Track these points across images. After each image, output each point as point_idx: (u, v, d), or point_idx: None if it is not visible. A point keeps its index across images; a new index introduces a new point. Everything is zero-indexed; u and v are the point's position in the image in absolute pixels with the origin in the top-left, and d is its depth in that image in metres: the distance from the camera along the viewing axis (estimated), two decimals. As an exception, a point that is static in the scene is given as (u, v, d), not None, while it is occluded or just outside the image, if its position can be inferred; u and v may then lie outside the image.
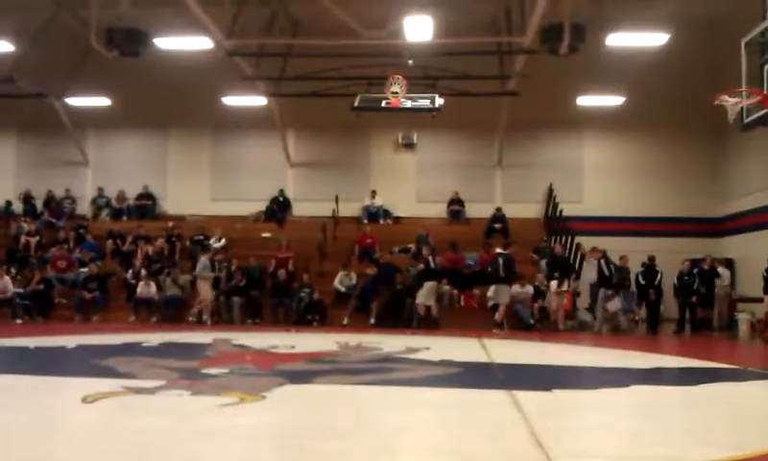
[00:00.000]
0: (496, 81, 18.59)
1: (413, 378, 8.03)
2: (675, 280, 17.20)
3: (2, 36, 17.51)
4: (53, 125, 21.80)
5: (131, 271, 17.90)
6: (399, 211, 21.86)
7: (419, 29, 15.58)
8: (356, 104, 16.26)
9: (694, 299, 16.79)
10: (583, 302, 17.81)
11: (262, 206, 22.07)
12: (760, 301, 15.78)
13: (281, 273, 17.38)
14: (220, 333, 13.38)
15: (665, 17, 16.57)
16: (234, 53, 17.01)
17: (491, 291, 16.40)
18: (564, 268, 16.87)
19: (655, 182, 21.28)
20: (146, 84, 20.49)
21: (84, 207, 22.79)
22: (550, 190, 21.08)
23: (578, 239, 18.67)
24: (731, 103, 11.84)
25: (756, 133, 14.73)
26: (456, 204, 21.54)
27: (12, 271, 17.83)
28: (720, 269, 17.79)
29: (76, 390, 6.43)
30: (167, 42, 16.91)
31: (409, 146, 22.28)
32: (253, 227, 21.24)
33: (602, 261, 16.70)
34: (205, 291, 16.53)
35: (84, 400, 6.05)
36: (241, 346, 11.26)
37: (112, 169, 22.78)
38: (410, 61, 16.88)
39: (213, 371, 8.16)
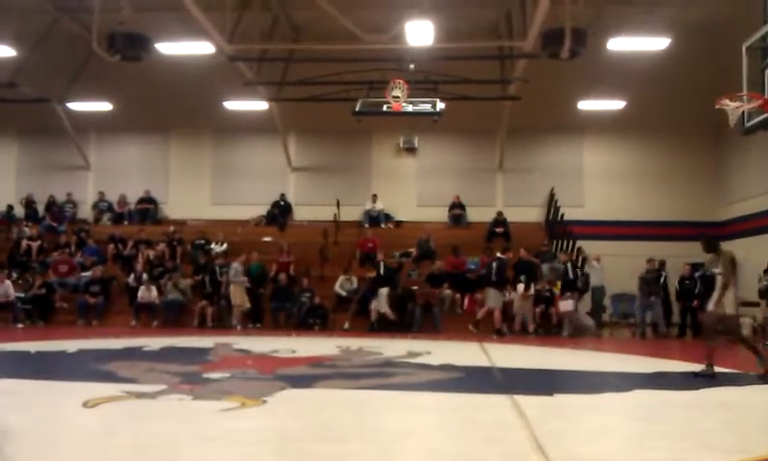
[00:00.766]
0: (497, 85, 18.61)
1: (414, 383, 8.03)
2: (676, 285, 17.20)
3: (4, 41, 17.55)
4: (54, 129, 21.83)
5: (132, 275, 17.91)
6: (401, 215, 21.86)
7: (420, 33, 15.60)
8: (357, 108, 16.29)
9: (695, 303, 16.77)
10: (584, 306, 17.80)
11: (263, 210, 22.07)
12: (756, 305, 15.81)
13: (282, 277, 17.39)
14: (224, 338, 13.38)
15: (666, 22, 16.59)
16: (236, 57, 17.03)
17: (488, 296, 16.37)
18: (531, 272, 16.80)
19: (656, 187, 21.27)
20: (147, 88, 20.52)
21: (85, 212, 22.80)
22: (551, 194, 21.08)
23: (579, 243, 18.67)
24: (731, 107, 11.84)
25: (756, 138, 14.74)
26: (457, 208, 21.54)
27: (14, 275, 17.85)
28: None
29: (77, 394, 6.44)
30: (169, 47, 16.94)
31: (410, 150, 22.29)
32: (255, 231, 21.25)
33: (569, 265, 16.75)
34: (239, 296, 16.53)
35: (86, 404, 6.05)
36: (242, 350, 11.27)
37: (114, 173, 22.81)
38: (411, 66, 16.91)
39: (214, 375, 8.16)
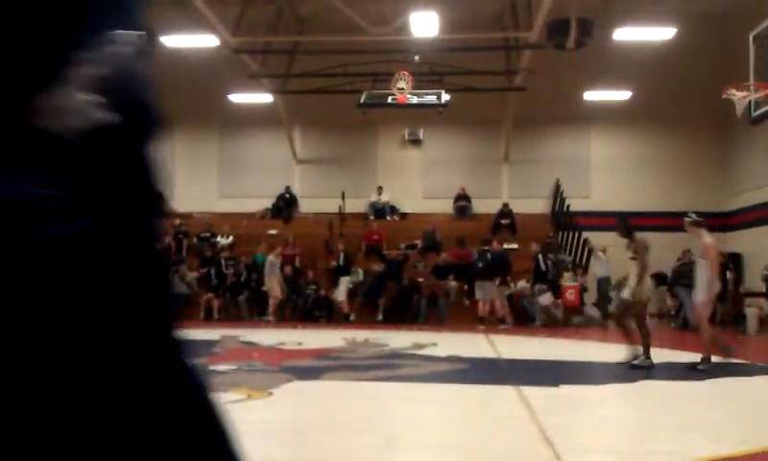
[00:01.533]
0: (503, 76, 18.56)
1: (420, 374, 8.04)
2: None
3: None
4: (60, 123, 21.86)
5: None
6: (406, 207, 21.85)
7: (425, 25, 15.56)
8: (362, 100, 16.27)
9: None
10: (590, 297, 17.80)
11: (269, 202, 22.09)
12: (765, 296, 15.77)
13: (288, 269, 17.42)
14: (230, 331, 13.42)
15: (672, 11, 16.51)
16: (240, 50, 17.02)
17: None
18: (503, 264, 16.76)
19: (662, 177, 21.21)
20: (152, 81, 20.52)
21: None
22: (557, 185, 21.03)
23: (585, 234, 18.64)
24: (739, 97, 11.81)
25: (763, 127, 14.68)
26: (463, 199, 21.51)
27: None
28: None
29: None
30: (173, 40, 16.94)
31: (415, 142, 22.26)
32: (260, 224, 21.27)
33: (540, 256, 16.73)
34: (275, 289, 16.52)
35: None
36: (248, 342, 11.30)
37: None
38: (416, 57, 16.88)
39: (221, 367, 8.19)
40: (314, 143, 22.63)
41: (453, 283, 17.16)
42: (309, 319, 16.47)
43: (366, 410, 6.04)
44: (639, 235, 9.19)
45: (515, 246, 19.39)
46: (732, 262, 17.81)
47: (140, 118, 0.79)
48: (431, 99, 16.23)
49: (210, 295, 17.01)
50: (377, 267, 17.62)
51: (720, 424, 5.55)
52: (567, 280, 17.08)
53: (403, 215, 21.65)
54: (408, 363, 8.93)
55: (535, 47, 16.05)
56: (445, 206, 21.52)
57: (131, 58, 0.80)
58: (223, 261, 17.46)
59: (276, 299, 16.49)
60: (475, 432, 5.14)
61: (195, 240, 19.60)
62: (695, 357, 10.38)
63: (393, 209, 21.66)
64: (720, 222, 20.66)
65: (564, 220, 20.16)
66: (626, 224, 9.27)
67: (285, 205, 21.97)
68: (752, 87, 11.79)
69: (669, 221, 20.83)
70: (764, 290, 16.35)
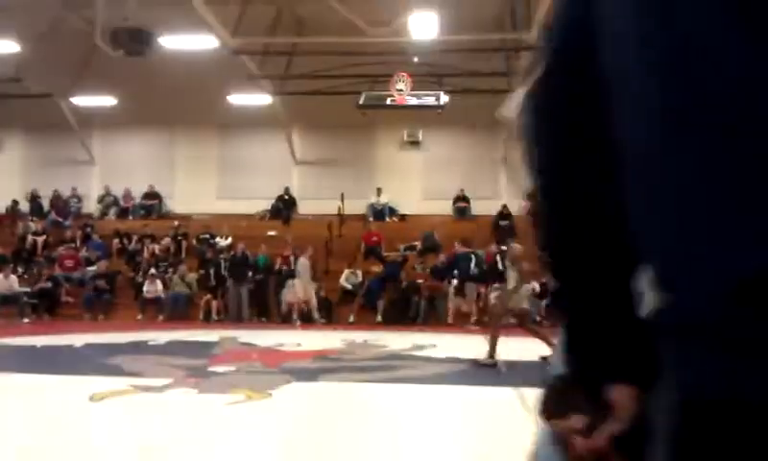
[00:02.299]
0: (502, 77, 18.56)
1: (419, 376, 8.03)
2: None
3: (8, 36, 17.56)
4: (59, 124, 21.86)
5: (140, 271, 17.96)
6: (405, 209, 21.84)
7: (424, 26, 15.56)
8: (361, 101, 16.27)
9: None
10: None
11: (268, 204, 22.09)
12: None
13: (287, 271, 17.41)
14: (228, 332, 13.41)
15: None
16: (239, 51, 17.02)
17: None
18: (465, 266, 16.79)
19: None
20: (151, 83, 20.50)
21: (90, 206, 22.85)
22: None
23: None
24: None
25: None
26: (462, 201, 21.51)
27: (19, 270, 17.91)
28: None
29: (83, 388, 6.46)
30: (172, 41, 16.93)
31: (414, 143, 22.25)
32: (259, 225, 21.26)
33: (498, 256, 16.73)
34: (302, 291, 16.42)
35: (92, 398, 6.07)
36: (248, 344, 11.29)
37: (118, 168, 22.83)
38: (415, 59, 16.88)
39: (220, 369, 8.18)
40: (313, 144, 22.63)
41: (496, 285, 17.11)
42: (308, 321, 16.45)
43: (365, 411, 6.03)
44: (516, 245, 9.40)
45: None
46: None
47: None
48: (430, 100, 16.23)
49: (209, 296, 16.99)
50: (376, 268, 17.63)
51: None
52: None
53: (402, 217, 21.64)
54: (407, 364, 8.93)
55: (534, 49, 16.04)
56: (445, 208, 21.51)
57: None
58: (222, 262, 17.44)
59: (301, 303, 16.38)
60: (474, 434, 5.14)
61: (194, 241, 19.60)
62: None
63: (392, 211, 21.65)
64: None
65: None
66: (502, 230, 9.61)
67: (284, 206, 21.96)
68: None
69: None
70: None
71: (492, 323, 9.26)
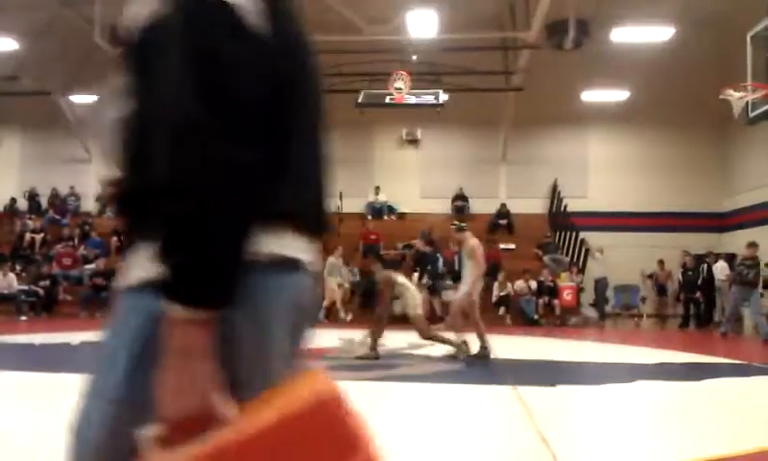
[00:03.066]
0: (501, 76, 18.57)
1: (416, 374, 8.03)
2: (679, 276, 17.18)
3: (6, 33, 17.55)
4: (57, 122, 21.84)
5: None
6: (404, 207, 21.85)
7: (422, 24, 15.57)
8: (360, 100, 16.27)
9: (698, 294, 16.77)
10: (587, 297, 17.82)
11: (266, 202, 22.07)
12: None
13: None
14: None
15: (670, 12, 16.52)
16: (238, 49, 16.99)
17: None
18: (426, 264, 16.76)
19: (659, 178, 21.23)
20: (150, 80, 20.50)
21: (88, 204, 22.84)
22: (555, 185, 21.06)
23: (582, 234, 18.66)
24: (736, 97, 11.83)
25: (761, 128, 14.70)
26: (460, 199, 21.52)
27: (17, 268, 17.89)
28: (720, 263, 17.58)
29: (81, 387, 6.45)
30: (170, 39, 16.91)
31: (413, 142, 22.27)
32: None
33: (456, 256, 16.75)
34: (335, 291, 16.40)
35: (89, 396, 6.06)
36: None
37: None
38: (414, 57, 16.88)
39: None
40: (311, 143, 22.60)
41: (450, 283, 17.15)
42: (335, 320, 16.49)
43: (362, 410, 6.02)
44: (475, 240, 9.53)
45: (512, 246, 19.44)
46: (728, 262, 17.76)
47: None
48: (429, 99, 16.23)
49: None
50: (375, 267, 17.60)
51: (717, 424, 5.55)
52: (564, 281, 17.09)
53: (401, 215, 21.65)
54: (404, 363, 8.93)
55: (533, 47, 16.05)
56: (443, 206, 21.53)
57: None
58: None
59: (332, 301, 16.34)
60: (471, 432, 5.14)
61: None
62: (691, 358, 10.39)
63: (390, 209, 21.66)
64: (717, 222, 20.72)
65: (561, 220, 20.18)
66: (459, 223, 9.80)
67: (282, 204, 21.95)
68: (749, 88, 11.81)
69: (666, 221, 20.89)
70: (762, 289, 16.31)
71: (468, 320, 9.26)
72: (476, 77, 17.57)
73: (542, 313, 16.47)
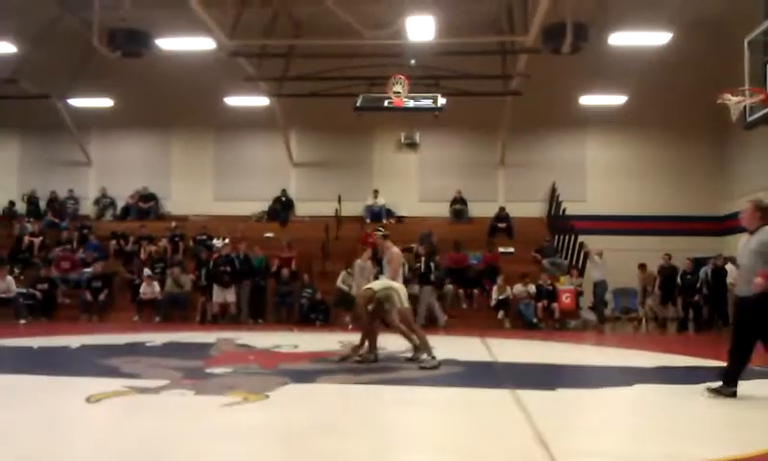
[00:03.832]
0: (499, 80, 18.59)
1: (416, 378, 8.04)
2: (678, 279, 17.19)
3: (5, 37, 17.54)
4: (56, 126, 21.85)
5: (137, 272, 17.92)
6: (402, 211, 21.86)
7: (421, 29, 15.57)
8: (358, 104, 16.25)
9: (697, 297, 16.79)
10: (586, 300, 17.83)
11: (265, 205, 22.10)
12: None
13: (285, 272, 17.41)
14: (228, 334, 13.41)
15: (668, 16, 16.55)
16: (237, 53, 17.02)
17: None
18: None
19: (657, 181, 21.27)
20: (148, 84, 20.52)
21: (86, 208, 22.83)
22: (553, 189, 21.08)
23: (581, 238, 18.67)
24: (733, 101, 11.83)
25: (758, 132, 14.71)
26: (459, 203, 21.54)
27: (16, 271, 17.87)
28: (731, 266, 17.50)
29: (80, 390, 6.45)
30: (169, 43, 16.91)
31: (411, 146, 22.29)
32: (256, 227, 21.26)
33: (423, 259, 16.75)
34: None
35: (89, 399, 6.07)
36: (244, 345, 11.29)
37: (115, 170, 22.83)
38: (412, 61, 16.87)
39: (217, 370, 8.18)
40: (310, 146, 22.64)
41: (449, 287, 17.17)
42: (305, 322, 16.46)
43: (362, 413, 6.04)
44: (396, 250, 9.81)
45: (511, 250, 19.45)
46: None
47: None
48: (427, 103, 16.20)
49: (205, 298, 16.97)
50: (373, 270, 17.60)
51: (716, 427, 5.57)
52: (564, 284, 17.10)
53: (399, 219, 21.66)
54: (404, 366, 8.94)
55: (531, 51, 16.07)
56: (442, 210, 21.55)
57: None
58: (211, 263, 17.42)
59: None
60: (471, 435, 5.15)
61: (191, 243, 19.58)
62: (690, 361, 10.40)
63: (389, 213, 21.67)
64: (716, 226, 20.75)
65: (559, 224, 20.20)
66: (384, 233, 10.02)
67: (281, 208, 21.98)
68: (747, 92, 11.81)
69: (665, 225, 20.91)
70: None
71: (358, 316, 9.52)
72: (474, 81, 17.59)
73: (542, 317, 16.47)
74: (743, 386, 7.86)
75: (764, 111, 11.69)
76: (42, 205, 22.39)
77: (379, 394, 7.12)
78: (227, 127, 22.23)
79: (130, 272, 18.20)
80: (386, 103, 15.83)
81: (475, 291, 17.39)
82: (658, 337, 15.87)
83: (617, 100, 20.08)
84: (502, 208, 20.99)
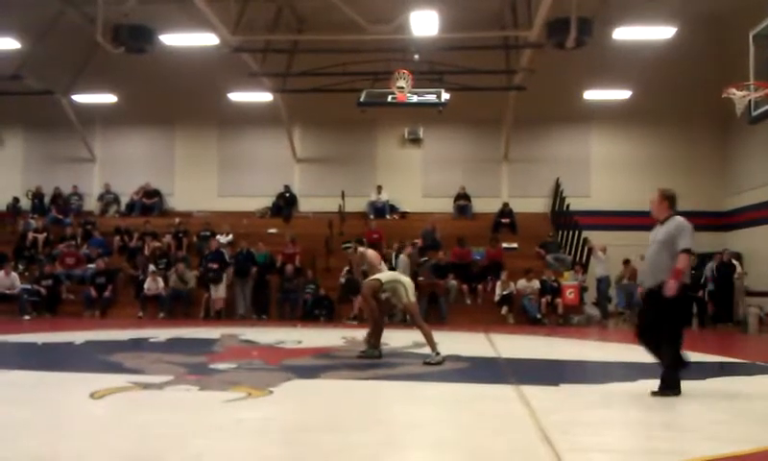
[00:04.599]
0: (503, 75, 18.56)
1: (419, 373, 8.04)
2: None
3: (9, 33, 17.56)
4: (60, 122, 21.87)
5: (141, 268, 17.94)
6: (406, 206, 21.85)
7: (424, 24, 15.56)
8: (362, 99, 16.25)
9: (701, 293, 16.75)
10: (590, 296, 17.81)
11: (268, 201, 22.10)
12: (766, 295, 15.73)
13: (290, 268, 17.43)
14: (232, 330, 13.43)
15: (672, 11, 16.50)
16: (240, 49, 17.01)
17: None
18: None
19: (662, 176, 21.00)
20: (152, 80, 20.53)
21: (91, 204, 22.87)
22: (557, 185, 21.03)
23: (585, 233, 18.64)
24: (738, 96, 11.80)
25: (763, 127, 14.68)
26: (462, 198, 21.52)
27: (20, 267, 17.91)
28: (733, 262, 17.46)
29: (84, 386, 6.46)
30: (173, 39, 16.93)
31: (415, 141, 22.26)
32: (260, 222, 21.27)
33: (393, 255, 16.72)
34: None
35: (93, 395, 6.07)
36: (248, 341, 11.30)
37: (119, 166, 22.86)
38: (416, 56, 16.87)
39: (221, 366, 8.19)
40: (314, 142, 22.63)
41: (453, 282, 17.16)
42: (309, 318, 16.47)
43: (366, 409, 6.03)
44: (369, 251, 9.97)
45: (515, 245, 19.42)
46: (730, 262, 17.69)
47: None
48: (431, 98, 16.20)
49: (208, 294, 17.00)
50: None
51: (720, 423, 5.55)
52: (568, 280, 17.08)
53: (403, 214, 21.66)
54: (407, 362, 8.93)
55: (534, 46, 16.04)
56: (445, 205, 21.53)
57: None
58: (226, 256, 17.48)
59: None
60: (475, 431, 5.14)
61: (195, 239, 19.60)
62: (694, 357, 10.36)
63: (392, 208, 21.67)
64: (720, 221, 20.69)
65: (563, 219, 20.16)
66: (357, 241, 10.22)
67: (285, 203, 21.98)
68: (751, 87, 11.78)
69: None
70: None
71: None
72: (478, 76, 17.57)
73: (545, 312, 16.46)
74: (747, 382, 7.84)
75: (769, 106, 11.65)
76: (46, 201, 22.42)
77: (383, 389, 7.11)
78: (230, 122, 22.23)
79: (134, 268, 18.22)
80: (390, 98, 15.83)
81: (479, 286, 17.37)
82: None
83: (621, 95, 20.03)
84: (506, 204, 20.96)
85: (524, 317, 16.42)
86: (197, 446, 4.48)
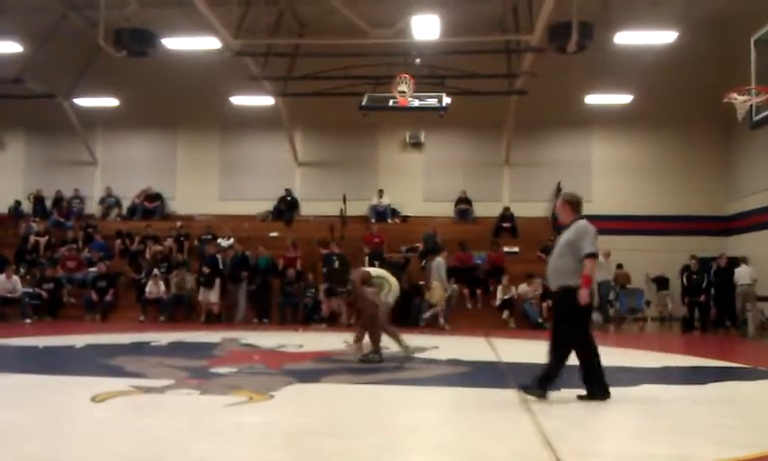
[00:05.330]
0: (504, 79, 18.56)
1: (421, 378, 8.03)
2: (684, 279, 17.14)
3: (11, 36, 17.59)
4: (61, 125, 21.90)
5: (143, 272, 17.94)
6: (407, 210, 21.85)
7: (426, 28, 15.57)
8: (364, 103, 16.26)
9: (702, 297, 16.74)
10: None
11: (270, 205, 22.11)
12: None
13: (291, 272, 17.42)
14: (232, 333, 13.42)
15: (674, 15, 16.51)
16: (242, 53, 17.03)
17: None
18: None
19: (663, 181, 21.19)
20: (154, 84, 20.55)
21: (92, 207, 22.88)
22: (558, 189, 21.01)
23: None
24: (740, 101, 11.80)
25: (765, 131, 14.67)
26: (464, 202, 21.51)
27: (22, 270, 17.92)
28: (743, 267, 17.36)
29: (85, 389, 6.46)
30: (175, 42, 16.95)
31: (416, 145, 22.26)
32: (261, 226, 21.28)
33: (366, 259, 16.77)
34: (437, 293, 16.17)
35: (94, 399, 6.07)
36: (249, 345, 11.30)
37: (121, 169, 22.87)
38: (417, 60, 16.87)
39: (222, 370, 8.18)
40: (315, 146, 22.64)
41: (454, 286, 17.14)
42: (310, 322, 16.46)
43: (367, 413, 6.03)
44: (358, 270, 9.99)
45: (516, 249, 19.42)
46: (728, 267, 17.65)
47: None
48: (432, 102, 16.21)
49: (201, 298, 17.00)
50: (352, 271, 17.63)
51: (721, 428, 5.54)
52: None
53: (404, 218, 21.65)
54: (409, 366, 8.92)
55: (536, 50, 16.05)
56: (446, 210, 21.52)
57: None
58: (221, 260, 17.47)
59: (439, 303, 16.12)
60: (476, 435, 5.14)
61: (196, 242, 19.61)
62: (696, 362, 10.36)
63: (394, 212, 21.67)
64: (722, 226, 20.67)
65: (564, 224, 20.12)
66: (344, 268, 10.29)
67: (286, 207, 21.99)
68: (753, 92, 11.78)
69: (670, 225, 20.84)
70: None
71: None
72: (479, 80, 17.57)
73: (547, 316, 16.42)
74: (748, 386, 7.82)
75: (771, 111, 11.66)
76: (48, 204, 22.44)
77: (384, 394, 7.11)
78: (232, 126, 22.25)
79: (136, 271, 18.23)
80: (391, 102, 15.85)
81: (480, 291, 17.35)
82: (664, 337, 15.83)
83: (623, 99, 20.03)
84: (507, 208, 20.95)
85: (525, 321, 16.40)
86: (198, 450, 4.48)
